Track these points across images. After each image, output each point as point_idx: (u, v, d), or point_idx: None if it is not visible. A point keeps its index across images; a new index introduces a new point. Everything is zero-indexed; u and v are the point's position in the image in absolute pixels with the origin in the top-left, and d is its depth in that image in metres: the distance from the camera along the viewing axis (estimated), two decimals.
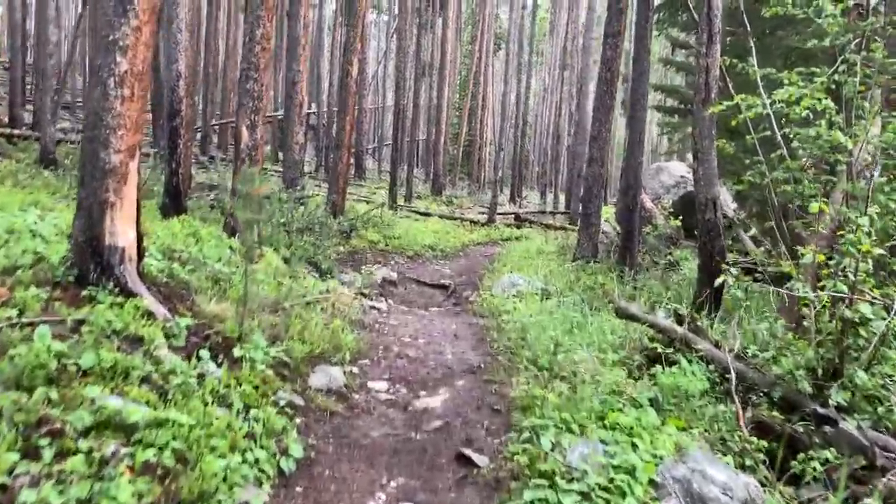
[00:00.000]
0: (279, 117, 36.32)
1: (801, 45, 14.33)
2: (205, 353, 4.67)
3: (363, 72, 27.06)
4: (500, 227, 19.85)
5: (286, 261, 8.84)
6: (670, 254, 13.47)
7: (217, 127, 27.95)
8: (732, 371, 5.02)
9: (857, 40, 6.35)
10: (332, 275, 9.04)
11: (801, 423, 4.66)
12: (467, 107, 38.66)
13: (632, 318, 6.39)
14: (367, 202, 20.30)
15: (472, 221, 19.43)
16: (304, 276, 7.76)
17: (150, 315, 4.97)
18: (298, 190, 12.77)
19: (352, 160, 30.80)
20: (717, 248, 8.43)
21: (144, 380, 4.12)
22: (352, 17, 11.82)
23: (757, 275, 10.10)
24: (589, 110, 30.72)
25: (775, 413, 4.68)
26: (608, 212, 42.19)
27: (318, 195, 15.26)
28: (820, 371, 5.07)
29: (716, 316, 8.16)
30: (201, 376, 4.42)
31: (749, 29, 8.99)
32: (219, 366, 4.63)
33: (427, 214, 19.59)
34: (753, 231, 13.14)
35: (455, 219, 19.56)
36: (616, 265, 11.80)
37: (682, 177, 20.50)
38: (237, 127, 8.28)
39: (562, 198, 34.33)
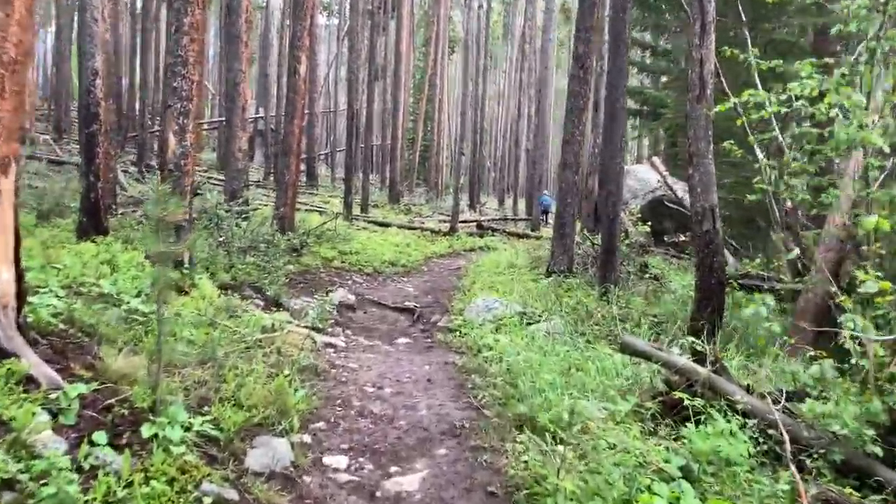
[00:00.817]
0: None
1: (789, 37, 13.72)
2: (101, 437, 3.46)
3: (313, 72, 25.77)
4: (462, 236, 18.79)
5: (226, 289, 7.59)
6: (645, 265, 12.61)
7: (158, 134, 26.29)
8: (783, 430, 4.01)
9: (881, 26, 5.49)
10: (280, 303, 7.82)
11: (878, 498, 3.69)
12: (423, 111, 37.59)
13: (639, 354, 5.35)
14: (321, 212, 19.02)
15: (432, 231, 18.33)
16: (245, 309, 6.54)
17: (29, 382, 3.75)
18: (241, 203, 11.48)
19: (302, 167, 29.40)
20: (716, 264, 7.49)
21: (5, 486, 2.94)
22: (299, 10, 10.61)
23: (764, 292, 9.24)
24: (549, 113, 29.96)
25: (848, 490, 3.69)
26: None
27: (266, 207, 13.97)
28: (888, 425, 4.13)
29: (716, 341, 7.24)
30: (93, 472, 3.23)
31: (744, 17, 8.13)
32: (120, 452, 3.43)
33: (385, 225, 18.41)
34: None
35: (415, 228, 18.43)
36: (594, 279, 10.84)
37: (649, 181, 19.77)
38: (162, 133, 7.03)
39: (521, 203, 33.52)
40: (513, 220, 26.73)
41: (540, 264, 12.15)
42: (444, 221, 22.03)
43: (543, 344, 6.19)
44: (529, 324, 7.82)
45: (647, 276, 12.13)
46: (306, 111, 31.47)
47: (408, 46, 34.42)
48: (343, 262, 11.17)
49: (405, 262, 12.71)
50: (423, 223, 20.97)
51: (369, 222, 18.47)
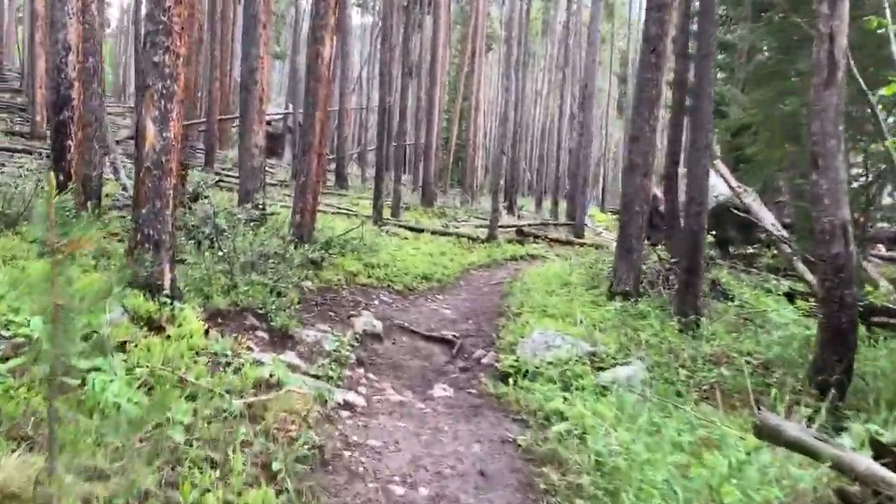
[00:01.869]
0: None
1: None
2: None
3: (345, 64, 24.31)
4: (501, 243, 17.13)
5: (221, 318, 6.07)
6: (716, 283, 10.84)
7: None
8: None
9: None
10: (289, 335, 6.26)
11: None
12: (458, 109, 36.00)
13: (790, 445, 3.69)
14: (349, 215, 17.53)
15: (469, 238, 16.70)
16: (237, 353, 4.98)
17: None
18: (256, 207, 9.98)
19: (327, 167, 27.96)
20: (848, 298, 5.74)
21: None
22: None
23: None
24: (594, 111, 28.14)
25: None
26: (603, 219, 39.34)
27: (287, 210, 12.44)
28: None
29: (842, 401, 5.52)
30: None
31: None
32: None
33: (418, 230, 16.82)
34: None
35: (450, 234, 16.82)
36: (668, 303, 9.11)
37: (713, 186, 17.88)
38: (138, 120, 5.51)
39: (561, 206, 31.74)
40: (554, 224, 24.97)
41: (599, 282, 10.43)
42: (481, 226, 20.37)
43: (635, 411, 4.53)
44: (602, 368, 6.16)
45: (723, 297, 10.38)
46: (332, 106, 29.99)
47: (444, 43, 32.86)
48: (370, 276, 9.60)
49: (440, 276, 11.09)
50: (458, 228, 19.35)
51: (401, 226, 16.90)
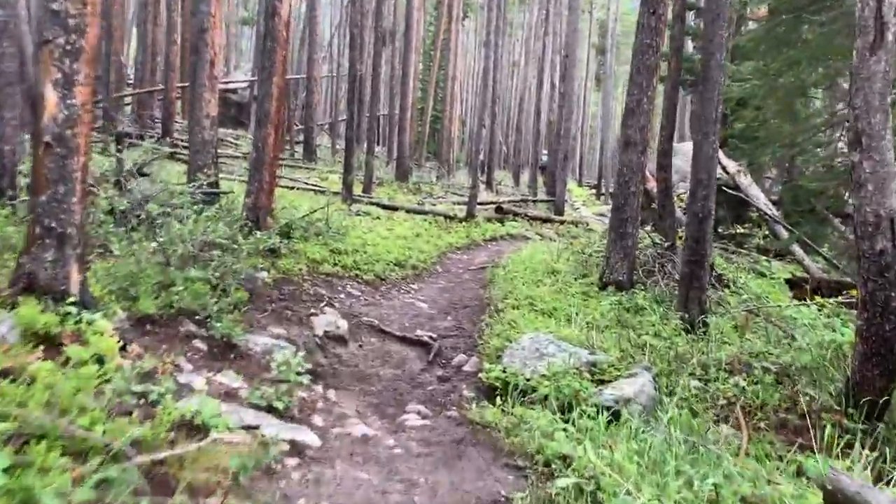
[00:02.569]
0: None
1: None
2: None
3: (314, 28, 22.94)
4: (480, 222, 16.16)
5: (150, 323, 5.04)
6: (710, 267, 10.01)
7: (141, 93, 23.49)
8: None
9: None
10: (232, 344, 5.25)
11: None
12: (433, 79, 34.69)
13: None
14: (317, 191, 16.41)
15: (446, 216, 15.69)
16: (157, 381, 3.97)
17: None
18: (205, 184, 8.84)
19: (295, 139, 26.53)
20: (894, 303, 4.90)
21: None
22: None
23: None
24: (576, 81, 27.07)
25: None
26: (581, 193, 38.47)
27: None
28: None
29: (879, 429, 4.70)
30: None
31: None
32: None
33: (391, 208, 15.76)
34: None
35: (426, 213, 15.79)
36: (665, 294, 8.24)
37: None
38: (37, 85, 4.39)
39: (540, 179, 30.78)
40: (533, 201, 24.04)
41: (588, 269, 9.52)
42: (459, 203, 19.38)
43: (656, 453, 3.62)
44: (603, 381, 5.26)
45: (719, 283, 9.56)
46: (300, 73, 28.75)
47: (419, 7, 31.44)
48: (336, 264, 8.56)
49: (415, 262, 10.09)
50: (434, 205, 18.32)
51: (373, 204, 15.82)
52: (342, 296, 7.74)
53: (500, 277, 9.23)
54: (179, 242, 6.24)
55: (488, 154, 27.41)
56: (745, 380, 5.62)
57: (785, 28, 9.21)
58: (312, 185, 17.39)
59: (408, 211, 15.65)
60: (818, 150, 10.65)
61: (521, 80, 43.98)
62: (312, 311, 6.72)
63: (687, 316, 7.11)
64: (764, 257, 14.88)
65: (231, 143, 25.26)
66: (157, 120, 22.45)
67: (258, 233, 7.80)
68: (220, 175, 11.02)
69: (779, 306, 7.35)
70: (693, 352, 6.13)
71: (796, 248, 12.68)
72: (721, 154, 17.28)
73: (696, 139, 7.28)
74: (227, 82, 33.81)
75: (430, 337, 6.70)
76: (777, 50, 9.30)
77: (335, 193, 15.41)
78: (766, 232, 15.64)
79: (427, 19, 38.72)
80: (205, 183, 9.37)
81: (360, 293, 8.04)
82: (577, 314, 7.04)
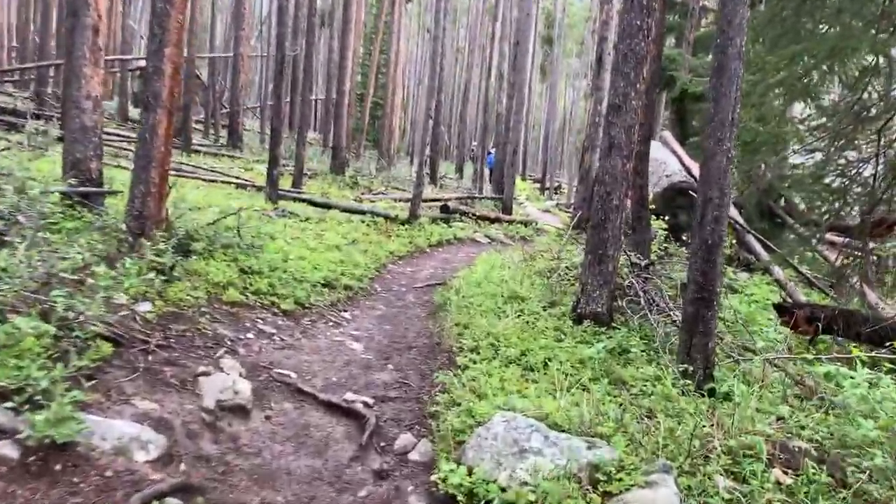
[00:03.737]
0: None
1: None
2: None
3: (240, 0, 20.70)
4: (424, 224, 14.48)
5: None
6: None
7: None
8: None
9: None
10: (59, 446, 3.45)
11: None
12: (375, 63, 32.71)
13: None
14: (239, 185, 14.41)
15: (387, 217, 13.94)
16: None
17: None
18: (84, 181, 6.87)
19: (221, 123, 24.09)
20: None
21: None
22: None
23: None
24: (528, 71, 25.60)
25: None
26: (524, 187, 37.12)
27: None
28: None
29: None
30: None
31: None
32: None
33: (325, 206, 13.92)
34: None
35: (364, 212, 14.00)
36: (653, 330, 6.76)
37: (663, 163, 15.77)
38: None
39: (482, 174, 29.27)
40: (480, 198, 22.50)
41: (557, 294, 7.95)
42: (401, 200, 17.65)
43: None
44: (610, 493, 3.70)
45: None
46: (224, 50, 26.26)
47: None
48: (246, 289, 6.75)
49: (349, 281, 8.33)
50: (373, 202, 16.53)
51: (302, 201, 13.94)
52: (250, 335, 5.94)
53: (454, 302, 7.58)
54: (10, 276, 4.35)
55: (434, 146, 25.71)
56: (789, 474, 4.15)
57: (790, 15, 7.82)
58: (234, 177, 15.37)
59: (343, 210, 13.84)
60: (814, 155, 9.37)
61: (467, 69, 42.34)
62: (203, 367, 4.91)
63: (691, 369, 5.62)
64: (730, 267, 13.71)
65: None
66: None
67: (146, 248, 5.93)
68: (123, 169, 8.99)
69: (804, 358, 5.93)
70: (713, 430, 4.62)
71: (774, 267, 11.49)
72: (683, 153, 16.09)
73: (706, 146, 5.78)
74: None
75: (365, 403, 4.99)
76: (784, 39, 7.91)
77: (259, 188, 13.48)
78: (735, 240, 14.51)
79: (369, 0, 36.69)
80: (84, 180, 7.41)
81: (274, 330, 6.25)
82: (556, 368, 5.45)
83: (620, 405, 4.85)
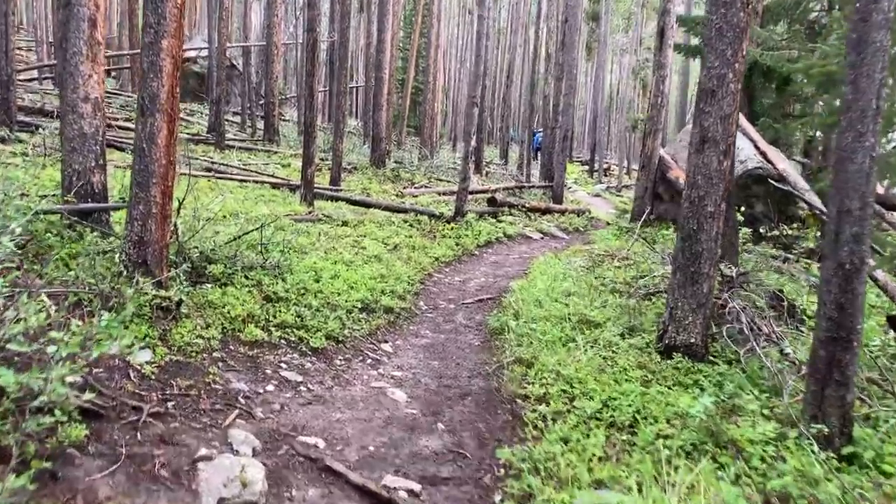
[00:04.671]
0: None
1: None
2: None
3: None
4: (471, 221, 13.32)
5: None
6: (778, 296, 7.32)
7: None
8: None
9: None
10: None
11: None
12: (415, 47, 31.47)
13: None
14: (275, 185, 13.46)
15: (431, 215, 12.81)
16: None
17: None
18: (87, 196, 5.92)
19: (258, 113, 23.06)
20: None
21: None
22: None
23: None
24: (578, 50, 24.08)
25: None
26: (572, 171, 35.45)
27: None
28: None
29: None
30: None
31: None
32: None
33: (364, 204, 12.89)
34: None
35: (406, 210, 12.91)
36: (784, 388, 5.48)
37: (739, 149, 14.24)
38: None
39: (532, 161, 27.88)
40: (529, 186, 21.19)
41: (633, 314, 6.71)
42: (445, 193, 16.50)
43: None
44: None
45: (801, 323, 6.93)
46: (254, 38, 25.42)
47: None
48: (269, 322, 5.72)
49: (389, 300, 7.23)
50: (416, 197, 15.43)
51: (341, 200, 12.92)
52: (270, 387, 4.90)
53: (512, 326, 6.42)
54: None
55: (478, 133, 24.43)
56: None
57: None
58: (269, 175, 14.41)
59: (384, 209, 12.78)
60: None
61: (507, 49, 40.75)
62: (206, 446, 3.88)
63: (825, 428, 4.37)
64: (816, 263, 12.18)
65: (181, 119, 22.06)
66: None
67: (148, 279, 4.94)
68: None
69: None
70: None
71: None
72: (758, 136, 14.53)
73: (841, 143, 4.48)
74: (191, 49, 30.47)
75: (410, 491, 3.89)
76: None
77: (294, 189, 12.49)
78: (819, 233, 12.96)
79: None
80: (85, 195, 6.47)
81: (300, 377, 5.19)
82: (651, 430, 4.27)
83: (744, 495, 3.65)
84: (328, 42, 26.99)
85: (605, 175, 40.65)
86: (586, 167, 43.45)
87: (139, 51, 7.73)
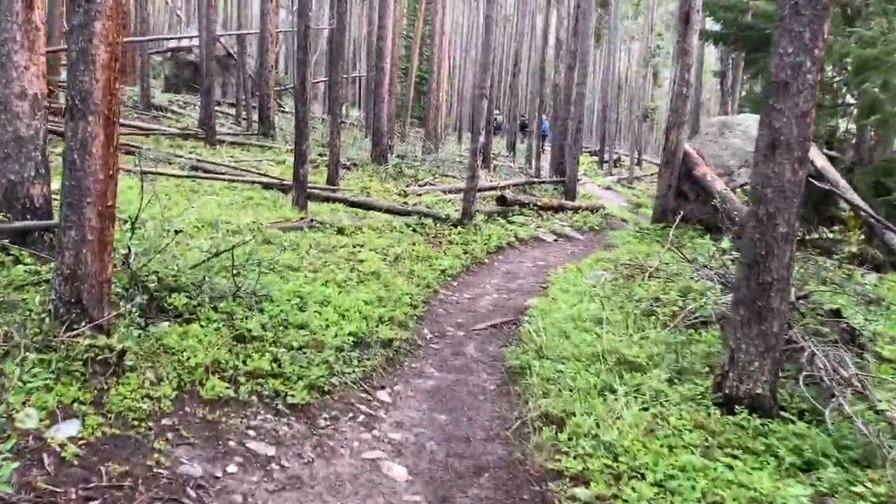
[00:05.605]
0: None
1: None
2: None
3: None
4: (479, 223, 12.22)
5: None
6: (851, 332, 6.20)
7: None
8: None
9: None
10: None
11: None
12: (418, 34, 30.27)
13: None
14: (265, 185, 12.38)
15: (436, 218, 11.72)
16: None
17: None
18: (24, 212, 4.87)
19: (252, 105, 21.74)
20: None
21: None
22: None
23: None
24: (591, 36, 22.87)
25: None
26: (582, 161, 34.25)
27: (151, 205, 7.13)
28: None
29: None
30: None
31: None
32: None
33: (363, 206, 11.81)
34: None
35: (409, 213, 11.82)
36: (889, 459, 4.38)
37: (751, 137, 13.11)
38: None
39: (541, 153, 26.71)
40: (540, 182, 20.05)
41: (679, 352, 5.60)
42: (452, 192, 15.40)
43: None
44: None
45: (859, 350, 5.84)
46: (248, 27, 24.42)
47: None
48: (238, 371, 4.65)
49: (388, 332, 6.14)
50: (420, 196, 14.33)
51: (336, 201, 11.84)
52: (232, 468, 3.82)
53: (535, 373, 5.33)
54: None
55: (487, 130, 23.31)
56: None
57: None
58: (261, 174, 13.33)
59: (385, 211, 11.69)
60: None
61: (514, 37, 39.48)
62: None
63: None
64: (856, 269, 11.04)
65: (173, 112, 21.00)
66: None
67: (82, 325, 3.88)
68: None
69: None
70: None
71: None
72: None
73: None
74: (174, 38, 29.41)
75: None
76: None
77: (286, 190, 11.42)
78: (864, 235, 11.83)
79: None
80: (23, 212, 5.41)
81: (273, 448, 4.10)
82: None
83: None
84: (328, 30, 25.81)
85: (616, 166, 39.41)
86: (595, 158, 42.24)
87: None
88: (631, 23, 58.85)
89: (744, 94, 25.10)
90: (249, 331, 5.17)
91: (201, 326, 5.05)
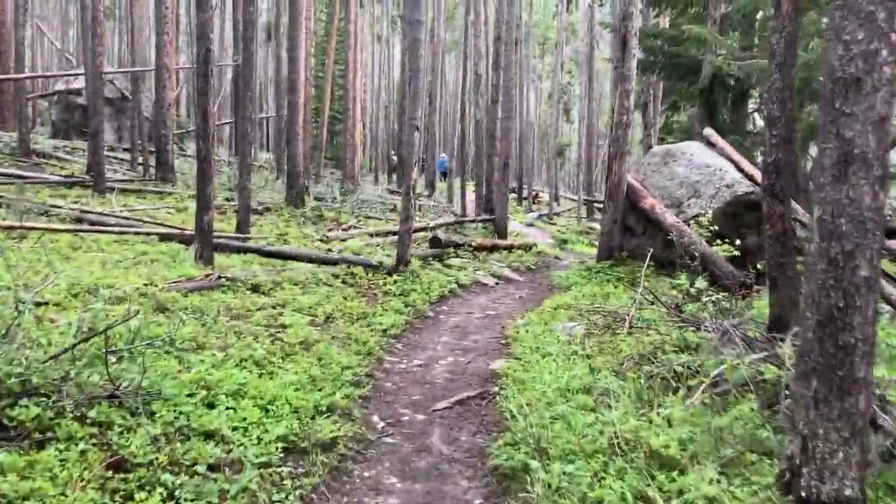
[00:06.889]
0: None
1: None
2: None
3: (158, 2, 16.85)
4: (416, 269, 10.83)
5: None
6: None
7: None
8: None
9: None
10: None
11: None
12: (330, 73, 29.00)
13: None
14: (163, 237, 10.60)
15: (367, 266, 10.26)
16: None
17: None
18: None
19: (140, 149, 19.57)
20: None
21: None
22: None
23: None
24: (520, 69, 22.20)
25: None
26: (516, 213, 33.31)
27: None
28: None
29: None
30: None
31: None
32: None
33: (281, 256, 10.22)
34: None
35: (335, 262, 10.30)
36: None
37: (715, 168, 12.37)
38: None
39: (464, 191, 25.70)
40: (470, 221, 18.92)
41: (719, 436, 4.35)
42: (379, 234, 13.99)
43: None
44: None
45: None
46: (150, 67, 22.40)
47: None
48: None
49: (329, 431, 4.61)
50: (344, 242, 12.83)
51: (248, 251, 10.21)
52: None
53: (539, 478, 3.93)
54: None
55: (430, 167, 22.11)
56: None
57: None
58: (158, 223, 11.53)
59: (308, 260, 10.14)
60: None
61: (429, 72, 38.87)
62: None
63: None
64: None
65: (58, 159, 18.77)
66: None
67: None
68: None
69: None
70: None
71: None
72: (738, 156, 12.75)
73: None
74: (62, 75, 26.97)
75: None
76: None
77: (187, 242, 9.72)
78: None
79: (317, 7, 33.06)
80: None
81: None
82: None
83: None
84: (233, 67, 24.13)
85: (535, 202, 39.05)
86: (514, 194, 41.83)
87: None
88: (537, 62, 59.87)
89: (661, 124, 25.02)
90: (133, 454, 3.55)
91: (58, 451, 3.41)
